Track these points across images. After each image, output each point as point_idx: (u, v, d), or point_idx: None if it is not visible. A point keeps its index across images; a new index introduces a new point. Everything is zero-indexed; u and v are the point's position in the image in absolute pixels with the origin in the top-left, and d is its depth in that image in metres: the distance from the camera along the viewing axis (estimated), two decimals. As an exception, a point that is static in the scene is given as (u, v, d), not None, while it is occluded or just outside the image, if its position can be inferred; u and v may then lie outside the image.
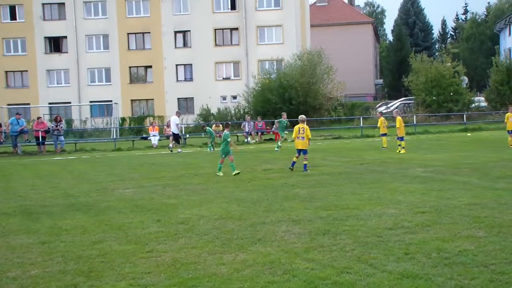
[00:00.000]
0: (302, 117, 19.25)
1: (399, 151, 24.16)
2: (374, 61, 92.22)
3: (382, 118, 27.97)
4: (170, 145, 31.53)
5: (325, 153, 23.99)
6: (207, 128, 32.65)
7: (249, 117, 40.59)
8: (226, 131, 19.05)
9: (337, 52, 68.07)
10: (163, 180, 17.28)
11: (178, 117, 32.48)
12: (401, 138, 24.80)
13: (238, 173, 17.84)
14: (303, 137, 18.31)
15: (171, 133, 33.39)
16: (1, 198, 14.62)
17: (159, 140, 37.50)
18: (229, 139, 18.75)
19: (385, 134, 27.22)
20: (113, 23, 60.89)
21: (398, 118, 25.49)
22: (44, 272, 7.43)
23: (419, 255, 7.43)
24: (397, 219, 9.67)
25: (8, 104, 52.98)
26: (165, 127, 40.82)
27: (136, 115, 59.18)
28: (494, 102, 50.05)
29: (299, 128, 18.51)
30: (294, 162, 18.51)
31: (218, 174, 18.13)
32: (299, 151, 18.46)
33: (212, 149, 30.79)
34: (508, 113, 25.70)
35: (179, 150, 30.91)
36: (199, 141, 37.40)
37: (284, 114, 31.74)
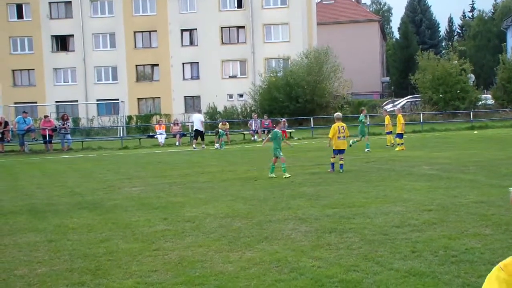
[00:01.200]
0: (339, 114, 18.19)
1: (402, 148, 24.33)
2: (381, 59, 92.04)
3: (388, 116, 28.04)
4: (203, 146, 32.15)
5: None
6: (220, 130, 32.82)
7: (255, 115, 40.59)
8: (276, 129, 17.29)
9: (343, 50, 67.96)
10: (169, 178, 17.30)
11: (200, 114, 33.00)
12: (400, 136, 24.97)
13: (289, 176, 16.07)
14: (344, 137, 17.30)
15: (178, 132, 33.58)
16: (8, 196, 14.67)
17: (166, 138, 37.55)
18: (270, 136, 17.06)
19: (390, 132, 27.24)
20: (119, 21, 60.97)
21: (399, 116, 25.58)
22: (51, 270, 7.45)
23: (426, 253, 7.42)
24: (403, 217, 9.65)
25: (15, 103, 53.16)
26: (171, 125, 40.87)
27: (142, 114, 59.24)
28: (501, 100, 49.88)
29: (338, 127, 17.22)
30: (333, 164, 17.14)
31: (271, 176, 16.36)
32: (339, 151, 17.24)
33: (223, 147, 31.10)
34: None
35: (203, 146, 31.64)
36: (205, 139, 37.41)
37: (364, 110, 28.60)
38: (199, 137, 32.51)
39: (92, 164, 24.04)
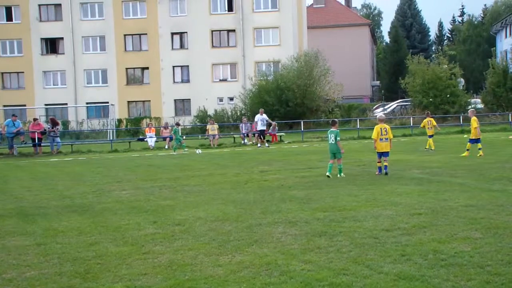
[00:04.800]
0: (382, 116, 17.93)
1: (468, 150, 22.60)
2: (371, 63, 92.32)
3: (428, 118, 26.99)
4: (266, 144, 34.46)
5: (322, 154, 23.96)
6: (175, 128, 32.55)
7: (245, 119, 40.59)
8: (334, 129, 17.00)
9: (334, 54, 68.13)
10: (159, 181, 17.25)
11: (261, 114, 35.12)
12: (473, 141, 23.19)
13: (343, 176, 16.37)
14: (386, 139, 16.79)
15: (169, 136, 33.69)
16: (-3, 199, 14.59)
17: (156, 141, 37.50)
18: (339, 138, 16.93)
19: (432, 136, 26.34)
20: (109, 24, 60.84)
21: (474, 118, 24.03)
22: (40, 273, 7.40)
23: (416, 256, 7.42)
24: (393, 221, 9.66)
25: (4, 106, 52.95)
26: (161, 128, 40.81)
27: (132, 117, 59.13)
28: (491, 104, 50.19)
29: (380, 128, 16.83)
30: (380, 168, 16.85)
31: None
32: (382, 154, 16.86)
33: (175, 151, 31.17)
34: None
35: (259, 145, 34.00)
36: (196, 143, 37.42)
37: None
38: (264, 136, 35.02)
39: (81, 168, 23.95)
